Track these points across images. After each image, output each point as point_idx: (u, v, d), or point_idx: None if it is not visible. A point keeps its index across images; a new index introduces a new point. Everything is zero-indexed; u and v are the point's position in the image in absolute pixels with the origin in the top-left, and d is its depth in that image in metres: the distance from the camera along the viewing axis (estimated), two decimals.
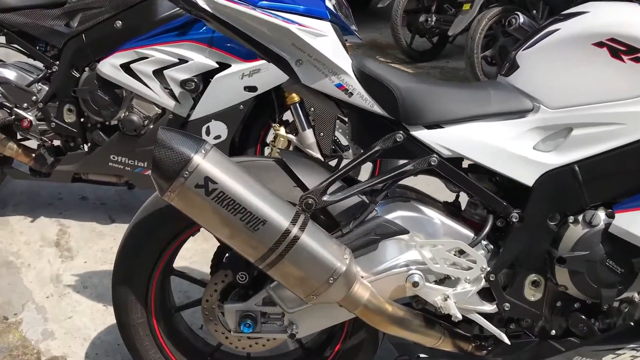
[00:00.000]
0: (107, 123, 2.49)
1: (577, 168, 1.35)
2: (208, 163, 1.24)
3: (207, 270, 1.60)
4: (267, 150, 2.64)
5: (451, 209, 1.54)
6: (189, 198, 1.25)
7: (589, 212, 1.37)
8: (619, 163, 1.34)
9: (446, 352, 1.52)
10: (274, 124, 2.49)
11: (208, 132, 2.40)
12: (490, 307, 1.43)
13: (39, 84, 2.51)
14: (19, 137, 2.65)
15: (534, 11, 4.36)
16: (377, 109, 1.36)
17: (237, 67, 2.29)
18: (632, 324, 1.41)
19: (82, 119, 2.52)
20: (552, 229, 1.39)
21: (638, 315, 1.42)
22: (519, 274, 1.42)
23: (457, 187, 1.44)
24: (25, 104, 2.50)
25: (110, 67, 2.36)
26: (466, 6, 4.57)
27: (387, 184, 1.42)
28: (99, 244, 2.56)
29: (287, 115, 2.52)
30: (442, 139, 1.37)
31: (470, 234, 1.44)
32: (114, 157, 2.49)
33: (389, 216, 1.42)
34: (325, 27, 1.33)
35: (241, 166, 1.32)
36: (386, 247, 1.41)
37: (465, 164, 1.45)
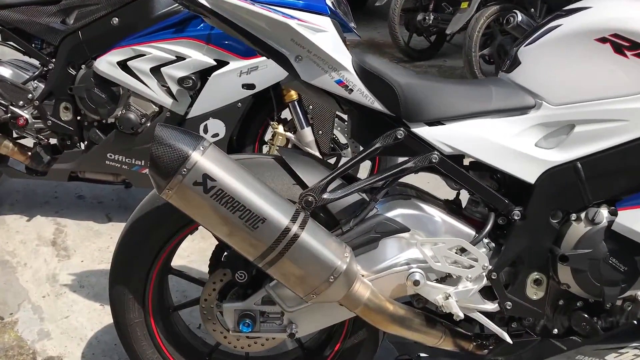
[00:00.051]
0: (103, 121, 2.47)
1: (579, 165, 1.34)
2: (206, 160, 1.23)
3: (205, 269, 1.58)
4: (265, 149, 2.62)
5: (452, 207, 1.52)
6: (187, 196, 1.23)
7: (591, 210, 1.35)
8: (622, 160, 1.32)
9: (447, 351, 1.50)
10: (272, 122, 2.47)
11: (206, 130, 2.38)
12: (491, 306, 1.42)
13: (35, 81, 2.49)
14: (14, 135, 2.63)
15: (532, 9, 4.36)
16: (377, 105, 1.34)
17: (235, 64, 2.28)
18: (635, 322, 1.40)
19: (78, 117, 2.50)
20: (555, 226, 1.38)
21: None
22: (520, 272, 1.41)
23: (458, 184, 1.42)
24: (21, 102, 2.48)
25: (107, 64, 2.34)
26: (464, 4, 4.56)
27: (387, 182, 1.40)
28: (96, 243, 2.54)
29: (286, 114, 2.50)
30: (443, 136, 1.36)
31: (472, 232, 1.43)
32: (110, 156, 2.47)
33: (390, 214, 1.40)
34: (325, 22, 1.32)
35: (240, 163, 1.30)
36: (387, 245, 1.39)
37: (466, 162, 1.43)
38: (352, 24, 2.31)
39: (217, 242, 1.55)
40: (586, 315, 1.41)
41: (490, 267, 1.38)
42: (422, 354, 1.56)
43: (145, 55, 2.30)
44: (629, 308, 1.41)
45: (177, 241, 1.51)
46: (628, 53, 1.29)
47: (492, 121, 1.37)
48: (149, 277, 1.52)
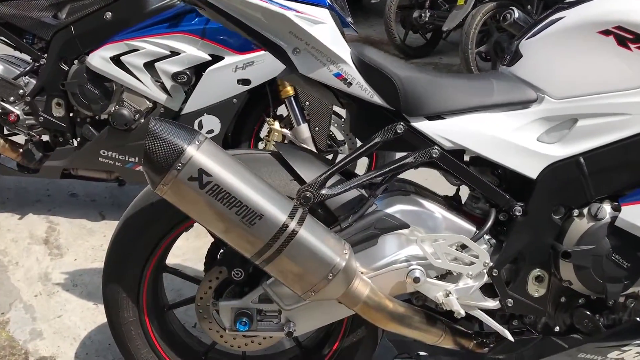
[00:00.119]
0: (96, 117, 2.43)
1: (582, 160, 1.32)
2: (202, 155, 1.20)
3: (201, 267, 1.55)
4: (261, 145, 2.59)
5: (451, 203, 1.50)
6: (182, 191, 1.20)
7: (594, 205, 1.33)
8: (626, 155, 1.30)
9: (447, 349, 1.48)
10: (268, 119, 2.45)
11: (200, 127, 2.35)
12: (492, 303, 1.40)
13: (26, 77, 2.45)
14: (5, 132, 2.59)
15: (529, 6, 4.34)
16: (377, 99, 1.31)
17: (231, 59, 2.25)
18: (638, 319, 1.38)
19: (71, 113, 2.46)
20: (557, 222, 1.36)
21: None
22: (522, 269, 1.39)
23: (458, 180, 1.40)
24: (12, 98, 2.44)
25: (100, 59, 2.31)
26: (460, 1, 4.54)
27: (386, 177, 1.38)
28: (89, 241, 2.50)
29: (282, 110, 2.47)
30: (443, 131, 1.33)
31: (472, 229, 1.40)
32: (104, 152, 2.44)
33: (389, 210, 1.38)
34: (323, 14, 1.29)
35: (236, 158, 1.27)
36: (386, 242, 1.37)
37: (466, 158, 1.41)
38: (349, 19, 2.29)
39: (212, 240, 1.52)
40: (588, 313, 1.39)
41: (491, 263, 1.36)
42: (421, 353, 1.54)
43: (138, 50, 2.27)
44: (632, 305, 1.39)
45: (172, 238, 1.48)
46: (632, 46, 1.27)
47: (494, 115, 1.35)
48: (143, 275, 1.49)
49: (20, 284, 2.21)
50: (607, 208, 1.33)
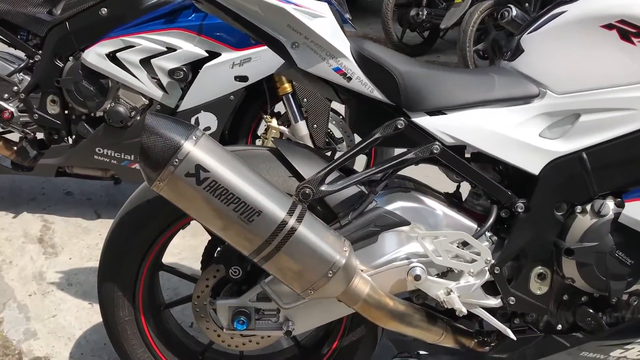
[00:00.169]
0: (92, 114, 2.40)
1: (585, 156, 1.30)
2: (199, 150, 1.17)
3: (197, 266, 1.53)
4: (258, 143, 2.57)
5: (452, 200, 1.48)
6: (179, 188, 1.18)
7: (597, 202, 1.32)
8: (629, 150, 1.29)
9: (447, 348, 1.46)
10: (265, 116, 2.42)
11: (197, 124, 2.32)
12: (494, 301, 1.38)
13: (21, 74, 2.42)
14: None
15: (527, 4, 4.33)
16: (377, 94, 1.29)
17: (228, 55, 2.22)
18: None
19: (66, 111, 2.44)
20: (559, 219, 1.34)
21: None
22: (524, 267, 1.37)
23: (460, 176, 1.38)
24: (6, 95, 2.41)
25: (95, 56, 2.28)
26: None
27: (387, 174, 1.36)
28: (85, 240, 2.47)
29: (279, 107, 2.45)
30: (444, 126, 1.31)
31: (474, 225, 1.38)
32: (99, 150, 2.41)
33: (389, 207, 1.36)
34: (322, 7, 1.27)
35: (234, 154, 1.25)
36: (386, 239, 1.35)
37: (467, 153, 1.39)
38: (348, 15, 2.27)
39: (209, 238, 1.50)
40: (591, 311, 1.37)
41: (493, 261, 1.34)
42: (421, 352, 1.52)
43: (134, 46, 2.24)
44: (635, 303, 1.38)
45: (169, 236, 1.46)
46: (635, 40, 1.25)
47: (495, 111, 1.33)
48: (139, 274, 1.47)
49: (14, 283, 2.18)
50: (610, 204, 1.32)
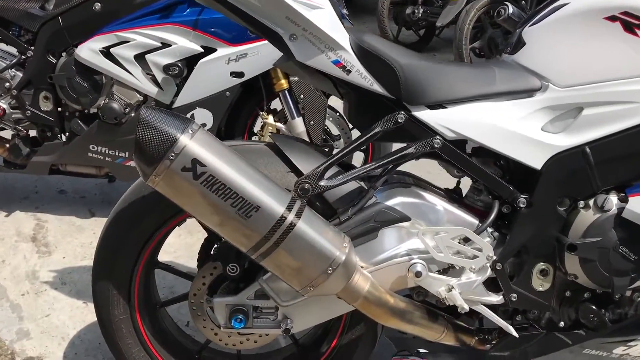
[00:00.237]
0: (85, 111, 2.36)
1: (588, 150, 1.28)
2: (196, 144, 1.15)
3: (193, 264, 1.51)
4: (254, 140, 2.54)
5: (452, 196, 1.46)
6: (175, 182, 1.15)
7: (600, 197, 1.30)
8: (633, 144, 1.27)
9: (447, 346, 1.45)
10: (261, 112, 2.40)
11: None
12: (496, 298, 1.36)
13: (13, 70, 2.37)
14: None
15: (523, 1, 4.32)
16: (377, 87, 1.27)
17: (223, 51, 2.19)
18: None
19: (59, 107, 2.40)
20: (562, 214, 1.32)
21: None
22: (526, 263, 1.35)
23: (461, 171, 1.36)
24: None
25: (88, 51, 2.24)
26: None
27: (386, 169, 1.34)
28: (78, 238, 2.44)
29: (276, 104, 2.43)
30: (445, 120, 1.29)
31: (475, 221, 1.36)
32: (93, 147, 2.37)
33: (389, 202, 1.34)
34: None
35: (232, 149, 1.22)
36: (387, 235, 1.33)
37: (468, 149, 1.37)
38: (345, 11, 2.25)
39: (206, 235, 1.47)
40: (594, 307, 1.35)
41: (494, 257, 1.32)
42: (421, 350, 1.50)
43: (129, 41, 2.21)
44: (639, 299, 1.36)
45: (165, 233, 1.43)
46: (639, 32, 1.23)
47: (497, 104, 1.31)
48: (135, 272, 1.44)
49: (6, 282, 2.15)
50: (613, 199, 1.30)
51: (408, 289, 1.38)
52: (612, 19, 1.24)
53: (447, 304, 1.32)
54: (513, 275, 1.37)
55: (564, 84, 1.29)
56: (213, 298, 1.36)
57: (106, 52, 2.24)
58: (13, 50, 2.44)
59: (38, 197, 2.74)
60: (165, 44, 2.20)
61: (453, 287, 1.31)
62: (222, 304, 1.35)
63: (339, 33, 1.25)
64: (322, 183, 1.27)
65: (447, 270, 1.35)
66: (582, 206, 1.31)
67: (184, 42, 2.19)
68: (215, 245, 1.42)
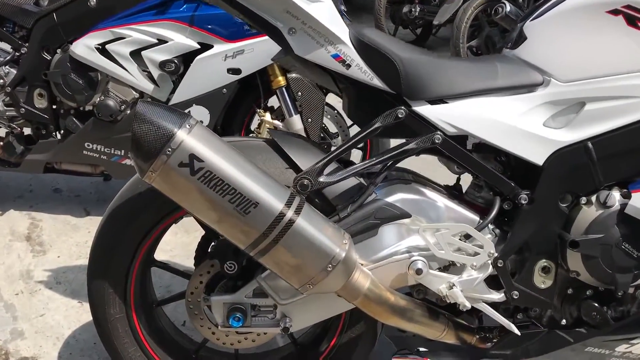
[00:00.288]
0: (81, 108, 2.34)
1: (590, 145, 1.27)
2: (193, 139, 1.12)
3: (190, 263, 1.49)
4: None
5: (453, 193, 1.44)
6: (172, 178, 1.13)
7: (603, 193, 1.28)
8: (636, 139, 1.26)
9: (447, 345, 1.43)
10: (258, 110, 2.38)
11: None
12: (497, 296, 1.34)
13: (6, 66, 2.36)
14: None
15: (520, 0, 4.31)
16: (377, 82, 1.25)
17: (220, 47, 2.17)
18: None
19: (54, 105, 2.38)
20: (564, 210, 1.31)
21: None
22: (528, 260, 1.33)
23: (461, 167, 1.34)
24: None
25: (84, 48, 2.22)
26: None
27: (386, 165, 1.32)
28: (73, 237, 2.41)
29: (273, 101, 2.40)
30: (446, 115, 1.28)
31: (476, 218, 1.35)
32: (88, 145, 2.35)
33: (389, 199, 1.32)
34: None
35: (230, 144, 1.20)
36: (387, 232, 1.31)
37: (469, 145, 1.35)
38: (343, 7, 2.23)
39: (202, 234, 1.45)
40: (596, 305, 1.34)
41: (496, 254, 1.31)
42: (421, 349, 1.48)
43: (124, 38, 2.19)
44: None
45: (161, 230, 1.41)
46: None
47: (498, 99, 1.30)
48: (131, 270, 1.42)
49: (0, 282, 2.12)
50: (616, 195, 1.29)
51: (408, 287, 1.36)
52: (615, 12, 1.23)
53: (448, 301, 1.30)
54: (514, 272, 1.35)
55: (565, 78, 1.27)
56: (210, 296, 1.34)
57: (101, 49, 2.22)
58: (7, 47, 2.42)
59: (32, 196, 2.71)
60: (162, 40, 2.18)
61: (454, 285, 1.29)
62: (220, 303, 1.33)
63: (338, 27, 1.23)
64: (322, 179, 1.25)
65: (448, 267, 1.33)
66: (584, 202, 1.30)
67: (180, 39, 2.17)
68: (213, 243, 1.39)
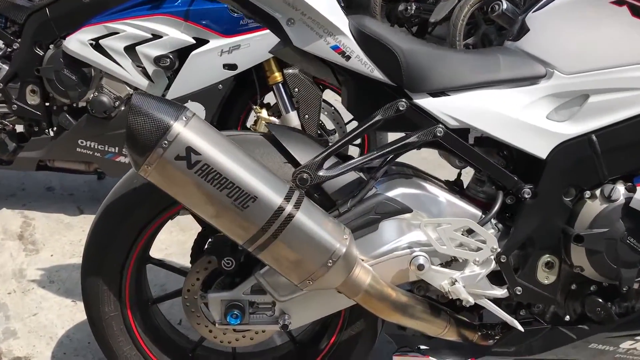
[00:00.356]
0: (74, 105, 2.33)
1: (594, 138, 1.25)
2: (190, 131, 1.10)
3: (186, 261, 1.46)
4: None
5: (454, 187, 1.42)
6: (168, 172, 1.10)
7: (607, 186, 1.26)
8: None
9: (448, 342, 1.40)
10: (255, 106, 2.35)
11: None
12: (500, 292, 1.32)
13: None
14: None
15: None
16: (377, 74, 1.23)
17: (216, 42, 2.15)
18: None
19: (46, 101, 2.35)
20: (568, 205, 1.28)
21: None
22: (531, 255, 1.31)
23: (463, 161, 1.32)
24: None
25: (77, 43, 2.19)
26: None
27: (387, 159, 1.29)
28: (67, 236, 2.38)
29: (270, 97, 2.38)
30: (448, 108, 1.25)
31: (478, 213, 1.32)
32: (82, 142, 2.32)
33: (390, 194, 1.29)
34: None
35: (227, 137, 1.17)
36: (388, 227, 1.28)
37: (471, 139, 1.33)
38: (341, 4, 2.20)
39: (199, 231, 1.42)
40: (600, 300, 1.32)
41: (499, 249, 1.28)
42: (422, 346, 1.45)
43: (118, 33, 2.16)
44: None
45: (157, 226, 1.38)
46: None
47: (500, 92, 1.27)
48: (126, 267, 1.39)
49: None
50: (621, 189, 1.26)
51: (409, 283, 1.34)
52: (619, 3, 1.21)
53: (451, 297, 1.28)
54: (518, 268, 1.33)
55: (569, 70, 1.25)
56: (207, 293, 1.31)
57: (95, 44, 2.19)
58: None
59: (25, 194, 2.68)
60: (156, 35, 2.15)
61: (456, 280, 1.27)
62: (217, 300, 1.30)
63: (338, 17, 1.21)
64: (321, 173, 1.23)
65: (450, 263, 1.31)
66: (588, 196, 1.28)
67: (175, 34, 2.15)
68: (210, 239, 1.37)
